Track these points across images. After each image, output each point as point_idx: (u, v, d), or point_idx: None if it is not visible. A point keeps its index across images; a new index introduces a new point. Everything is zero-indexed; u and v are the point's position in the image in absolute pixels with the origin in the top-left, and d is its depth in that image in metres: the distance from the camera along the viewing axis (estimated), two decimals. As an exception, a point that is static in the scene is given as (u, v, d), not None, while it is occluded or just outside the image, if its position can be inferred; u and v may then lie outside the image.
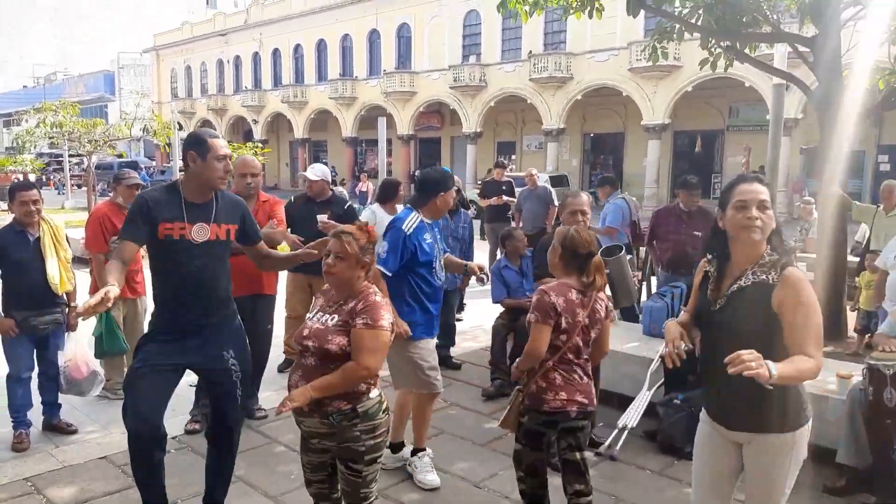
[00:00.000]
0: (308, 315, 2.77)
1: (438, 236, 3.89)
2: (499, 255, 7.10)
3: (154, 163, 41.53)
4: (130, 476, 3.90)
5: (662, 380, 4.66)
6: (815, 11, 5.93)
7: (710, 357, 2.33)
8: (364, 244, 2.69)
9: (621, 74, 24.55)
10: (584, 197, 4.51)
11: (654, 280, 7.28)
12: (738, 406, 2.27)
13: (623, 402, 4.45)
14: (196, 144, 3.06)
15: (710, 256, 2.42)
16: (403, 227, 3.66)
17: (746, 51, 7.35)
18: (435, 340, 3.94)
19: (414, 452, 3.96)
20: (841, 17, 6.65)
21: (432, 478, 3.82)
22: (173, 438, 4.41)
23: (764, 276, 2.24)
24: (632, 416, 4.36)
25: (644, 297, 7.02)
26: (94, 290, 5.12)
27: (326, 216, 5.34)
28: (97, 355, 4.82)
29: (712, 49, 7.21)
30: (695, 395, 4.34)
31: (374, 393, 2.67)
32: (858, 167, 20.48)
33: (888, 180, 7.46)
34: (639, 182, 25.32)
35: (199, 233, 3.09)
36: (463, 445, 4.33)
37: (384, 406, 2.70)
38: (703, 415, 2.51)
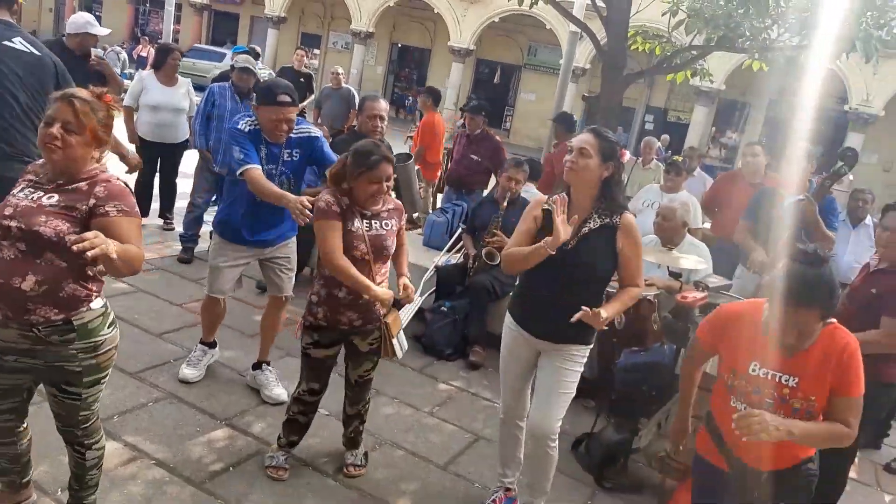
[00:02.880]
0: (12, 191, 2.15)
1: (284, 157, 3.41)
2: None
3: None
4: None
5: (434, 288, 4.96)
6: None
7: (552, 287, 2.63)
8: (102, 116, 2.15)
9: (436, -11, 24.41)
10: (383, 103, 4.50)
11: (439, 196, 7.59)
12: (559, 323, 2.60)
13: (395, 306, 4.65)
14: None
15: (558, 195, 2.64)
16: (240, 126, 3.32)
17: (552, -9, 7.69)
18: (234, 245, 3.56)
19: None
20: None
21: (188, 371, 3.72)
22: None
23: (608, 220, 2.61)
24: (402, 319, 4.59)
25: (430, 210, 7.30)
26: None
27: (101, 54, 4.90)
28: None
29: (522, -16, 7.45)
30: (460, 304, 4.69)
31: (96, 303, 2.16)
32: (628, 122, 22.79)
33: (648, 137, 8.46)
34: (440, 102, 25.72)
35: None
36: (233, 335, 4.27)
37: (110, 319, 2.22)
38: (513, 326, 2.81)
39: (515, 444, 2.98)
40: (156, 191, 6.22)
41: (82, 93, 2.15)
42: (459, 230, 5.43)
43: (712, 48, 7.38)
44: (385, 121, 4.41)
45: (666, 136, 17.96)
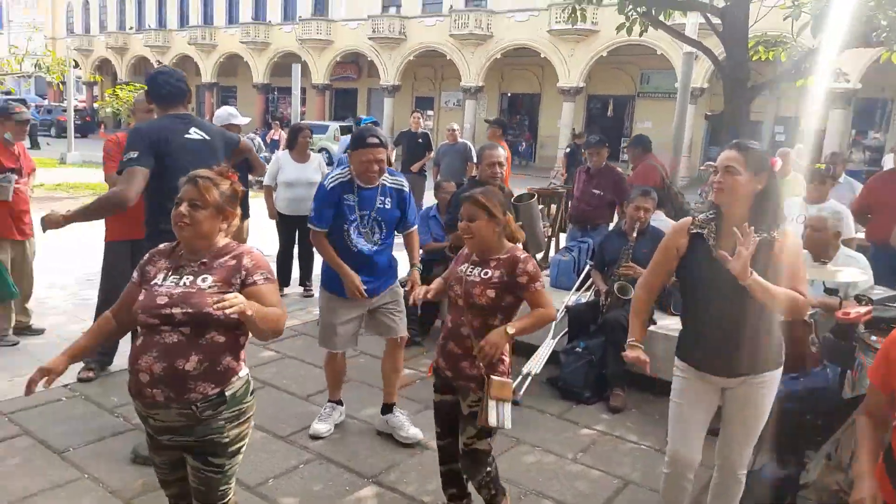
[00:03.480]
0: (153, 282, 2.23)
1: (378, 203, 3.57)
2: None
3: (45, 101, 38.65)
4: (17, 424, 3.73)
5: (566, 329, 4.83)
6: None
7: (727, 316, 2.45)
8: (225, 190, 2.28)
9: (540, 35, 24.70)
10: (501, 150, 4.55)
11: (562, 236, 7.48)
12: (740, 353, 2.45)
13: (528, 350, 4.57)
14: None
15: (703, 215, 2.56)
16: (325, 182, 3.58)
17: (661, 18, 7.52)
18: (345, 300, 3.68)
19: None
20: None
21: (319, 426, 3.84)
22: (65, 386, 4.21)
23: (766, 234, 2.41)
24: (536, 364, 4.50)
25: (553, 251, 7.21)
26: None
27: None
28: None
29: (629, 14, 7.34)
30: (595, 343, 4.53)
31: (243, 371, 2.28)
32: (757, 136, 21.59)
33: (782, 147, 7.94)
34: (553, 143, 25.81)
35: None
36: (371, 392, 4.35)
37: (251, 388, 2.32)
38: (684, 369, 2.62)
39: (684, 497, 2.73)
40: (295, 261, 6.61)
41: (205, 172, 2.30)
42: (587, 267, 5.30)
43: (845, 46, 6.87)
44: (504, 167, 4.48)
45: (800, 146, 16.79)
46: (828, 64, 7.33)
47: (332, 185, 3.55)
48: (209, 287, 2.16)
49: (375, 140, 3.46)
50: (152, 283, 2.22)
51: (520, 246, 2.86)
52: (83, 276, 6.66)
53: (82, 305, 5.75)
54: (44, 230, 3.17)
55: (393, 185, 3.65)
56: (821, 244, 4.02)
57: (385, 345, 3.92)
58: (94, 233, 4.54)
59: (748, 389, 2.55)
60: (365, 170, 3.48)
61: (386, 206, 3.61)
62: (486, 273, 2.74)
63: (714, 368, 2.53)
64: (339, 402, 3.99)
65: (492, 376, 2.69)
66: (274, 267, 6.33)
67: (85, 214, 3.23)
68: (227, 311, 1.98)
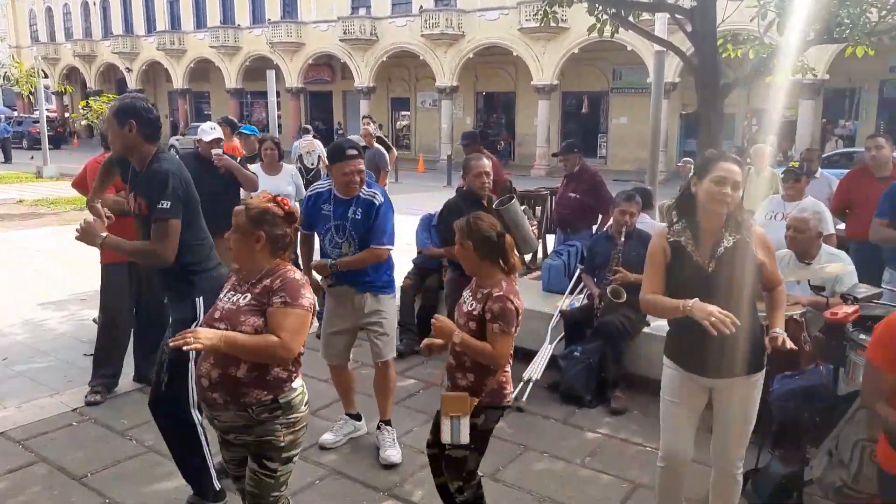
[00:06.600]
0: (221, 297, 2.51)
1: (350, 213, 3.61)
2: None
3: (15, 112, 37.93)
4: (32, 451, 3.76)
5: (562, 334, 4.95)
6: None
7: None
8: (255, 214, 2.42)
9: (511, 34, 24.87)
10: (486, 161, 4.57)
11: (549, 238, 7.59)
12: (729, 356, 2.56)
13: (527, 356, 4.69)
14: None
15: (678, 225, 2.65)
16: (307, 193, 3.81)
17: (630, 18, 7.67)
18: (335, 309, 3.84)
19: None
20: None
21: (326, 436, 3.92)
22: (74, 410, 4.24)
23: (739, 236, 2.58)
24: (536, 369, 4.62)
25: (541, 254, 7.32)
26: None
27: (221, 150, 5.39)
28: None
29: (599, 16, 7.46)
30: (592, 346, 4.65)
31: (297, 383, 2.47)
32: (730, 129, 21.96)
33: (758, 144, 8.13)
34: (531, 141, 26.01)
35: (131, 203, 3.11)
36: (374, 403, 4.42)
37: (306, 399, 2.51)
38: (671, 367, 2.74)
39: (678, 490, 2.87)
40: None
41: (250, 202, 2.51)
42: (578, 271, 5.42)
43: (811, 42, 7.07)
44: (491, 176, 4.51)
45: (773, 137, 17.09)
46: (794, 59, 7.55)
47: (310, 194, 3.79)
48: (246, 304, 2.39)
49: (354, 151, 3.56)
50: (220, 298, 2.51)
51: (505, 282, 2.73)
52: (75, 296, 6.65)
53: (81, 326, 5.75)
54: (80, 237, 3.02)
55: (366, 197, 3.64)
56: (804, 244, 4.17)
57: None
58: (79, 256, 4.56)
59: (734, 391, 2.66)
60: (347, 182, 3.57)
61: (357, 217, 3.62)
62: (471, 305, 2.76)
63: (700, 369, 2.64)
64: (355, 416, 4.03)
65: (444, 393, 2.77)
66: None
67: (118, 249, 3.14)
68: (185, 349, 2.18)
